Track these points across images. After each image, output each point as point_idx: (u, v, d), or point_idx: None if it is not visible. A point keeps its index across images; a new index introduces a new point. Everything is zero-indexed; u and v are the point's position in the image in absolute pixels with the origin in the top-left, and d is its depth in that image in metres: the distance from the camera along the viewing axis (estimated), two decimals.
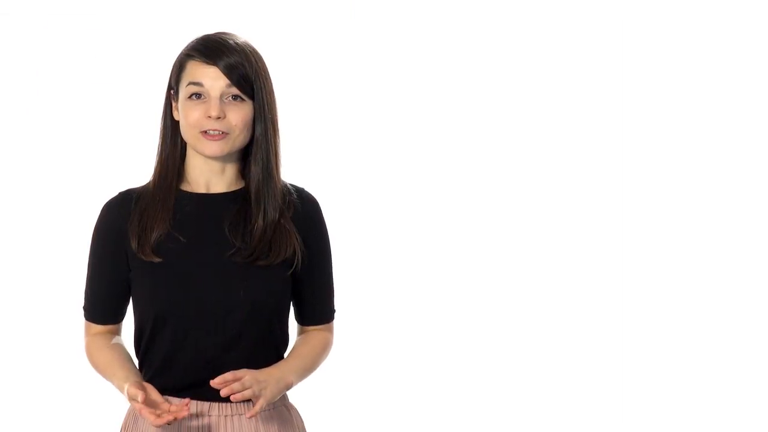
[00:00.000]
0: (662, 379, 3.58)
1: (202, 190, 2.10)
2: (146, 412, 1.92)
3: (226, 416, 2.07)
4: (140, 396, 1.92)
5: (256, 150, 2.07)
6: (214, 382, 1.94)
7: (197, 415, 2.06)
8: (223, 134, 2.02)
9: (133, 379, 2.00)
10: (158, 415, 1.93)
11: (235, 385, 1.94)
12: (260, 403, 1.96)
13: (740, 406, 3.56)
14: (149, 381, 2.03)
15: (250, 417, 1.98)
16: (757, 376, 3.57)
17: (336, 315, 2.24)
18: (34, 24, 3.49)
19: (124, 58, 3.48)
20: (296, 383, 2.10)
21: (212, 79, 2.02)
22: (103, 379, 2.12)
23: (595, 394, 3.59)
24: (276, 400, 2.05)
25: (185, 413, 1.94)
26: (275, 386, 2.02)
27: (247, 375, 1.97)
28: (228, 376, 1.95)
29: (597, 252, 3.60)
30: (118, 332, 2.17)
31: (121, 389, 2.00)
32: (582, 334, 3.59)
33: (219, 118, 2.01)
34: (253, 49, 2.07)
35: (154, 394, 1.98)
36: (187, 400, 1.96)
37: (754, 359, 3.57)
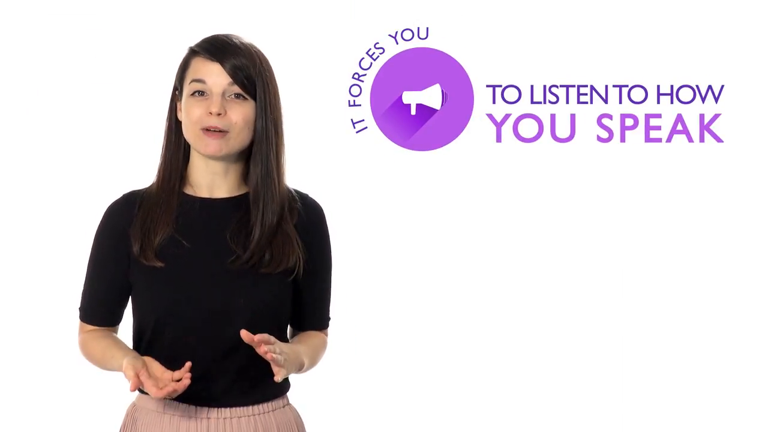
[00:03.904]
0: (662, 380, 3.58)
1: (204, 194, 2.09)
2: (149, 384, 1.92)
3: (225, 419, 2.07)
4: (133, 378, 1.91)
5: (256, 150, 2.06)
6: (250, 337, 1.91)
7: (196, 419, 2.06)
8: (223, 132, 2.02)
9: (132, 355, 2.00)
10: (160, 388, 1.92)
11: (269, 346, 1.92)
12: (282, 373, 1.94)
13: (740, 407, 3.56)
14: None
15: (278, 380, 1.95)
16: (757, 376, 3.57)
17: (331, 321, 2.25)
18: (34, 24, 3.49)
19: (126, 58, 3.47)
20: (306, 367, 2.09)
21: (215, 75, 2.02)
22: (101, 369, 2.11)
23: (596, 396, 3.59)
24: (291, 373, 2.03)
25: (187, 382, 1.93)
26: (294, 361, 2.01)
27: (277, 343, 1.96)
28: (264, 337, 1.92)
29: (597, 253, 3.59)
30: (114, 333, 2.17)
31: (121, 368, 1.99)
32: (583, 337, 3.59)
33: (219, 114, 2.01)
34: (259, 51, 2.07)
35: (155, 366, 1.97)
36: (188, 364, 1.94)
37: (754, 360, 3.57)
